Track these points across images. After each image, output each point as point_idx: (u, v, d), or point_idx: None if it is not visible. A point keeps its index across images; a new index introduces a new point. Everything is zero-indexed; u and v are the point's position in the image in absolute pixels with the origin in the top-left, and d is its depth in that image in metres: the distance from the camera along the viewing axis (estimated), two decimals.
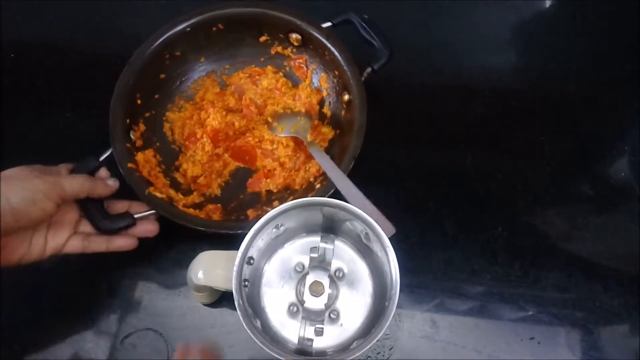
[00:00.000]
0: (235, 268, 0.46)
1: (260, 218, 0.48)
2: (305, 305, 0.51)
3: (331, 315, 0.51)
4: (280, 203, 0.51)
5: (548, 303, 0.57)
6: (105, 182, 0.55)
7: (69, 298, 0.58)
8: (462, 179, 0.63)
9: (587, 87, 0.69)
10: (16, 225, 0.46)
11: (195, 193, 0.62)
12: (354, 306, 0.52)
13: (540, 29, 0.72)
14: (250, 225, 0.48)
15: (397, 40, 0.60)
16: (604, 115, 0.68)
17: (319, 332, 0.50)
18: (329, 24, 0.60)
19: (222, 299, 0.55)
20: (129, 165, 0.56)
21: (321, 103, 0.65)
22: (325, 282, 0.51)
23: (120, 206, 0.56)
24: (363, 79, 0.58)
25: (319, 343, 0.51)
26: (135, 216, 0.54)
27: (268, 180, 0.63)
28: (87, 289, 0.58)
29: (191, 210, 0.58)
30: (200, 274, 0.49)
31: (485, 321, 0.57)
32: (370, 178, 0.58)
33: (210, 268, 0.49)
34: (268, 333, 0.50)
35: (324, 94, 0.65)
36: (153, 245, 0.57)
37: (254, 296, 0.51)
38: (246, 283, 0.48)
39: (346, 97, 0.60)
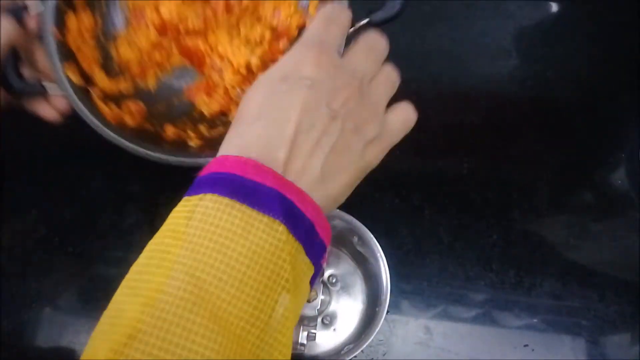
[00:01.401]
0: None
1: (177, 140, 0.49)
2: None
3: (324, 320, 0.52)
4: (210, 130, 0.51)
5: (543, 311, 0.57)
6: (33, 36, 0.47)
7: (65, 301, 0.59)
8: (458, 187, 0.63)
9: (585, 96, 0.69)
10: None
11: (124, 78, 0.53)
12: (347, 312, 0.53)
13: (539, 38, 0.72)
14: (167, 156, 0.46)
15: (394, 47, 0.60)
16: (602, 123, 0.68)
17: (312, 337, 0.51)
18: None
19: None
20: (53, 30, 0.46)
21: (301, 30, 0.54)
22: (319, 288, 0.51)
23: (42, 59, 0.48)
24: (352, 29, 0.49)
25: (311, 348, 0.51)
26: (48, 89, 0.47)
27: (205, 98, 0.54)
28: (83, 292, 0.59)
29: (104, 107, 0.49)
30: None
31: (479, 328, 0.57)
32: (366, 184, 0.59)
33: None
34: None
35: (307, 22, 0.54)
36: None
37: None
38: None
39: None
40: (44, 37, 0.46)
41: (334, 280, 0.53)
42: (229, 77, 0.52)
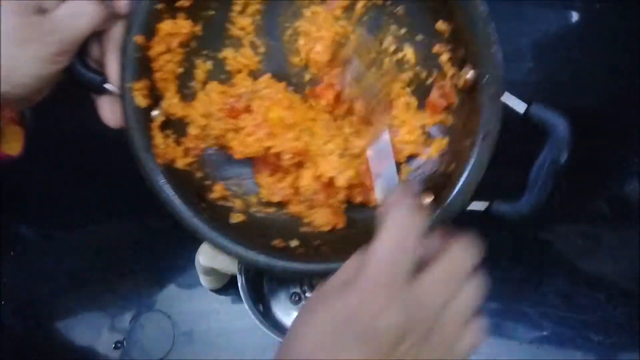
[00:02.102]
0: None
1: (219, 205, 0.44)
2: (307, 294, 0.53)
3: None
4: (260, 207, 0.45)
5: (549, 309, 0.57)
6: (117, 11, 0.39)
7: (81, 276, 0.60)
8: None
9: (600, 103, 0.69)
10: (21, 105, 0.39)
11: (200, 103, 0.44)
12: None
13: (556, 43, 0.72)
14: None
15: None
16: (616, 131, 0.68)
17: None
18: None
19: (229, 285, 0.57)
20: (137, 38, 0.39)
21: (410, 158, 0.45)
22: None
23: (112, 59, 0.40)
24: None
25: None
26: (108, 87, 0.40)
27: (268, 177, 0.45)
28: (100, 268, 0.60)
29: (159, 137, 0.41)
30: (207, 256, 0.51)
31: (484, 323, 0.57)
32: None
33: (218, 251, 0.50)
34: (270, 318, 0.51)
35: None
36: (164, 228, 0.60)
37: (258, 282, 0.53)
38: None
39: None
40: (124, 43, 0.39)
41: None
42: (306, 178, 0.43)
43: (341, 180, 0.41)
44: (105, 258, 0.61)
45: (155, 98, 0.42)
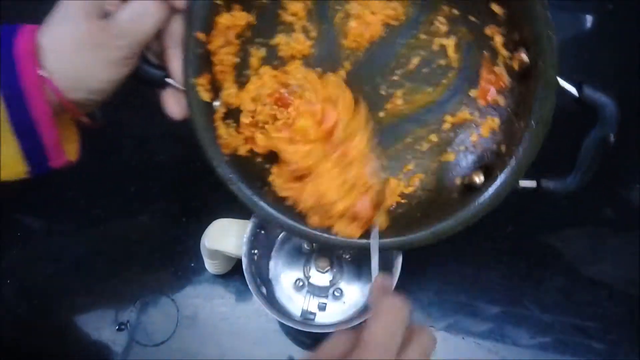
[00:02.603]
0: (246, 235, 0.49)
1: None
2: (311, 280, 0.53)
3: (335, 292, 0.54)
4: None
5: (550, 305, 0.58)
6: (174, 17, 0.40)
7: (87, 260, 0.60)
8: None
9: None
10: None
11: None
12: (358, 286, 0.54)
13: (569, 45, 0.72)
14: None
15: None
16: (624, 136, 0.68)
17: (322, 307, 0.53)
18: None
19: (233, 271, 0.57)
20: (198, 34, 0.40)
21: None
22: (332, 260, 0.53)
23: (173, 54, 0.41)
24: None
25: (321, 318, 0.53)
26: (170, 82, 0.41)
27: (292, 183, 0.45)
28: (105, 252, 0.61)
29: (222, 128, 0.43)
30: (213, 240, 0.51)
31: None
32: None
33: (223, 234, 0.51)
34: (273, 303, 0.52)
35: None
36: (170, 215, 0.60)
37: (262, 267, 0.54)
38: (255, 251, 0.51)
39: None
40: (186, 40, 0.40)
41: (347, 256, 0.55)
42: (305, 192, 0.44)
43: (340, 206, 0.42)
44: (110, 243, 0.61)
45: (215, 90, 0.43)
